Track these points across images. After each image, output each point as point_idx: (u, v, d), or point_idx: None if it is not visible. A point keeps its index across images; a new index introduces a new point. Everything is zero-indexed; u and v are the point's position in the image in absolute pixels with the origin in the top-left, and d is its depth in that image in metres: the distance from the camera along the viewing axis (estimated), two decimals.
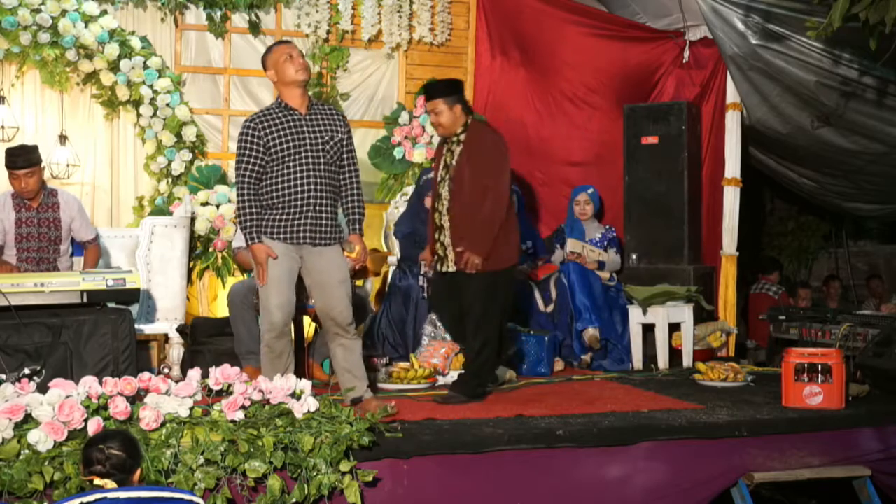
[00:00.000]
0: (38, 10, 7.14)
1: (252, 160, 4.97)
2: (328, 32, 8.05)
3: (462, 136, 5.71)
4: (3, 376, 4.54)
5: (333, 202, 5.09)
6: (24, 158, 5.88)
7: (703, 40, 8.25)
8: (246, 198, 4.97)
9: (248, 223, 4.96)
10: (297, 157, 4.96)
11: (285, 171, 4.96)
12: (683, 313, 7.18)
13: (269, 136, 4.96)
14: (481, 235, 5.56)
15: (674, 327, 7.19)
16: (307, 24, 7.96)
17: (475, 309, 5.63)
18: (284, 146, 4.95)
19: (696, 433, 4.98)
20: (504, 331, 5.92)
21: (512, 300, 6.02)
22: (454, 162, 5.70)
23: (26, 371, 4.66)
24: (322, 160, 5.01)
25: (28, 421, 4.01)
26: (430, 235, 5.87)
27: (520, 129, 8.46)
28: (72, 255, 6.18)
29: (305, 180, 4.97)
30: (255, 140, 4.97)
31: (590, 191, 7.72)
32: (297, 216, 4.96)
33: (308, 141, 4.99)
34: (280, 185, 4.97)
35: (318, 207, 4.99)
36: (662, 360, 7.08)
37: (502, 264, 5.65)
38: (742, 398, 5.77)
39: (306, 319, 6.09)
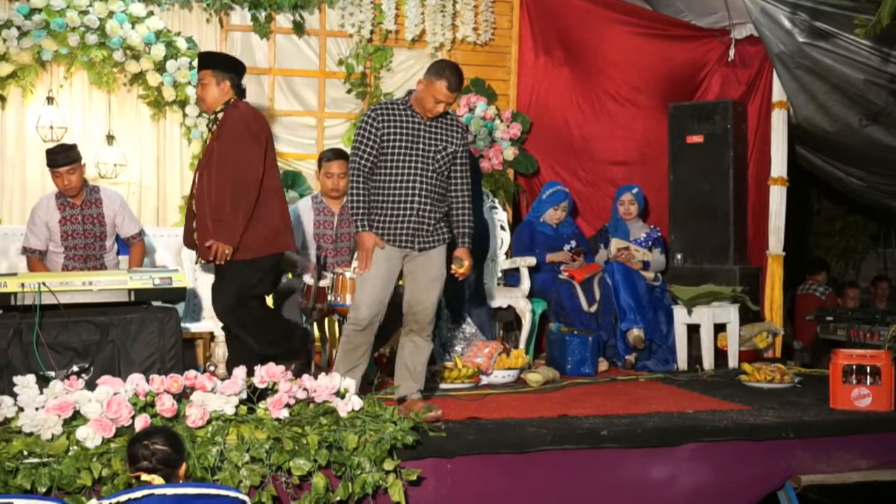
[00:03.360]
0: (85, 12, 7.22)
1: (367, 149, 5.01)
2: (372, 32, 8.06)
3: (220, 115, 5.37)
4: (53, 373, 4.60)
5: (439, 209, 5.09)
6: (63, 156, 5.98)
7: (748, 38, 8.19)
8: (357, 186, 5.02)
9: (358, 211, 5.00)
10: (408, 159, 5.00)
11: (394, 171, 4.99)
12: (729, 314, 7.12)
13: (386, 130, 5.00)
14: (227, 222, 5.15)
15: (719, 328, 7.13)
16: (351, 24, 7.97)
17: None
18: (398, 145, 4.99)
19: (741, 435, 4.94)
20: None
21: (265, 291, 5.52)
22: (209, 142, 5.41)
23: (75, 368, 4.73)
24: (431, 167, 5.03)
25: (77, 417, 4.07)
26: (187, 225, 5.51)
27: (563, 129, 8.44)
28: (118, 252, 6.25)
29: (412, 184, 4.99)
30: (373, 130, 5.01)
31: (634, 190, 7.69)
32: (401, 220, 5.00)
33: (422, 146, 5.01)
34: (387, 185, 5.00)
35: (421, 213, 5.01)
36: (708, 361, 7.02)
37: (247, 254, 5.21)
38: (788, 400, 5.72)
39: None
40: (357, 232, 5.03)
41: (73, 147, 6.14)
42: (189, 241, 5.47)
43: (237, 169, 5.16)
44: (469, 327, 6.53)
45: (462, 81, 5.10)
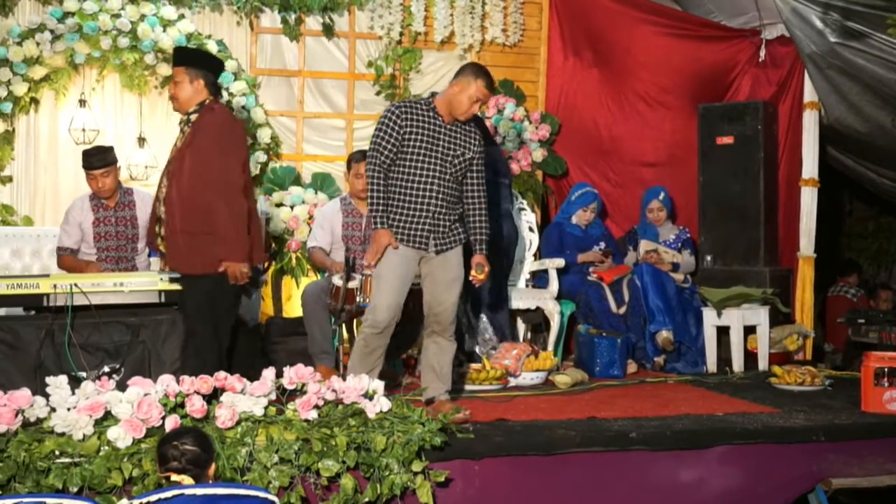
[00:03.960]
0: (117, 15, 7.28)
1: (387, 145, 5.00)
2: (401, 34, 8.08)
3: (193, 117, 5.15)
4: (84, 374, 4.64)
5: (454, 211, 5.09)
6: (99, 158, 6.01)
7: (779, 38, 8.14)
8: (374, 182, 5.01)
9: (378, 207, 5.00)
10: (427, 160, 4.99)
11: (412, 171, 4.99)
12: (759, 316, 7.08)
13: (408, 129, 4.99)
14: (230, 239, 4.97)
15: (749, 330, 7.09)
16: (380, 27, 8.00)
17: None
18: (418, 145, 4.99)
19: (772, 437, 4.91)
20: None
21: (228, 310, 5.17)
22: (180, 144, 5.18)
23: (106, 369, 4.77)
24: (449, 171, 5.03)
25: (108, 418, 4.11)
26: (150, 228, 5.39)
27: (592, 130, 8.43)
28: (149, 254, 6.29)
29: (429, 186, 4.99)
30: (394, 127, 5.00)
31: (661, 196, 7.66)
32: (418, 221, 4.99)
33: (441, 148, 5.01)
34: (405, 184, 5.00)
35: (437, 216, 5.01)
36: (737, 363, 6.98)
37: (195, 269, 5.01)
38: (819, 402, 5.68)
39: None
40: (375, 228, 5.01)
41: (109, 149, 6.16)
42: (154, 245, 5.33)
43: (226, 182, 4.97)
44: (487, 332, 6.52)
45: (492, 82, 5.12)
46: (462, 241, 5.15)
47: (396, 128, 4.99)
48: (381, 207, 4.98)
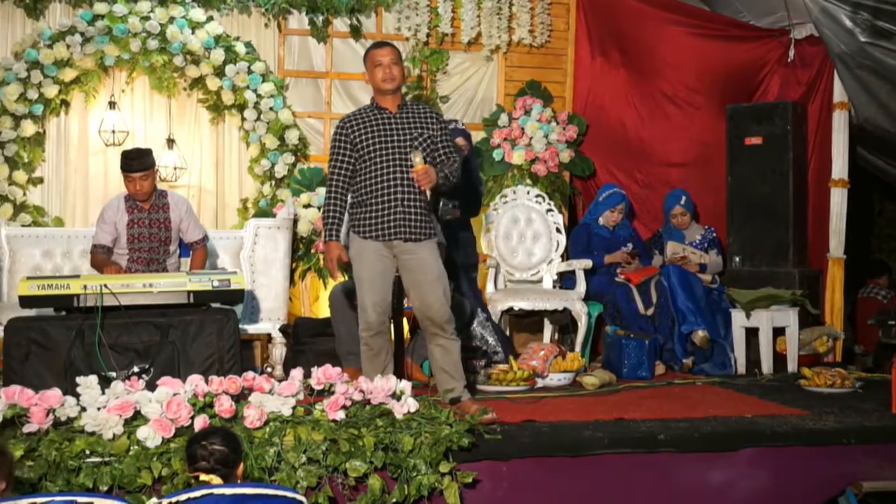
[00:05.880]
0: (147, 18, 7.34)
1: (339, 159, 5.10)
2: (428, 35, 8.09)
3: None
4: (114, 374, 4.67)
5: (424, 198, 5.10)
6: (139, 162, 6.02)
7: (808, 38, 8.09)
8: (330, 196, 5.10)
9: (327, 221, 5.10)
10: (384, 153, 5.03)
11: (373, 168, 5.03)
12: (788, 317, 7.04)
13: (357, 135, 5.06)
14: None
15: (778, 331, 7.05)
16: (407, 28, 8.01)
17: None
18: (372, 144, 5.03)
19: (801, 440, 4.88)
20: None
21: None
22: None
23: (135, 369, 4.79)
24: (410, 155, 5.03)
25: (137, 418, 4.13)
26: None
27: (620, 131, 8.41)
28: (180, 256, 6.31)
29: (392, 176, 5.01)
30: (344, 139, 5.09)
31: (682, 200, 7.63)
32: (386, 212, 5.01)
33: (396, 138, 5.04)
34: (369, 182, 5.03)
35: (406, 202, 5.02)
36: (766, 365, 6.94)
37: None
38: (849, 405, 5.63)
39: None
40: (325, 242, 5.10)
41: (148, 153, 6.16)
42: None
43: None
44: (487, 340, 6.51)
45: (386, 42, 5.25)
46: (434, 236, 5.16)
47: (346, 139, 5.09)
48: (330, 220, 5.08)
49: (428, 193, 5.11)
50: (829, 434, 4.94)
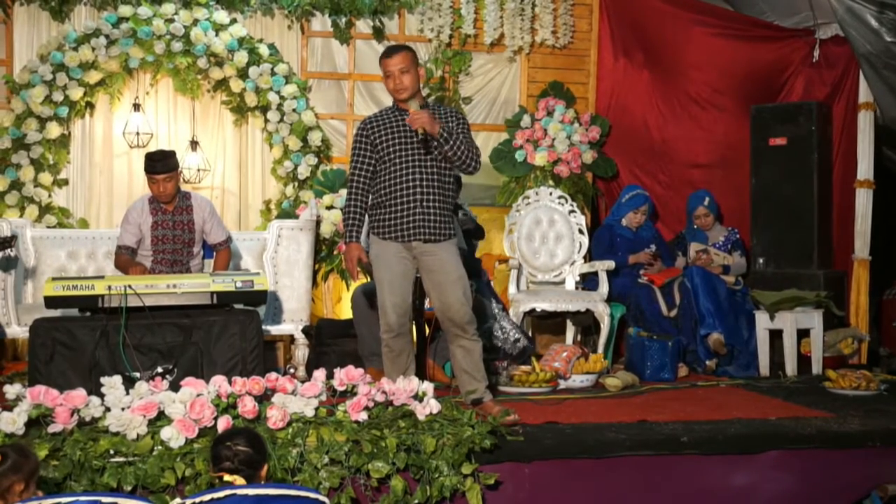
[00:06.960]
0: (171, 20, 7.38)
1: (360, 161, 5.10)
2: (451, 37, 8.10)
3: None
4: (138, 374, 4.70)
5: (443, 199, 5.08)
6: (162, 164, 6.04)
7: (834, 38, 8.04)
8: (350, 198, 5.10)
9: (347, 222, 5.10)
10: (404, 154, 5.02)
11: (393, 170, 5.02)
12: (813, 319, 7.00)
13: (378, 136, 5.06)
14: None
15: (802, 333, 7.01)
16: (430, 29, 8.02)
17: None
18: (392, 145, 5.03)
19: (826, 443, 4.86)
20: None
21: None
22: None
23: (159, 370, 4.81)
24: (429, 156, 5.04)
25: (161, 418, 4.15)
26: None
27: (643, 131, 8.39)
28: (203, 257, 6.34)
29: (412, 176, 5.01)
30: (364, 141, 5.10)
31: (706, 201, 7.59)
32: (406, 213, 5.01)
33: (416, 137, 5.02)
34: (389, 184, 5.03)
35: (425, 203, 5.01)
36: (790, 367, 6.90)
37: None
38: (875, 407, 5.60)
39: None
40: (346, 243, 5.10)
41: (172, 155, 6.16)
42: None
43: None
44: (509, 339, 6.50)
45: (397, 48, 5.10)
46: (453, 236, 5.15)
47: (367, 141, 5.09)
48: (350, 222, 5.08)
49: (419, 133, 4.97)
50: (854, 437, 4.91)
